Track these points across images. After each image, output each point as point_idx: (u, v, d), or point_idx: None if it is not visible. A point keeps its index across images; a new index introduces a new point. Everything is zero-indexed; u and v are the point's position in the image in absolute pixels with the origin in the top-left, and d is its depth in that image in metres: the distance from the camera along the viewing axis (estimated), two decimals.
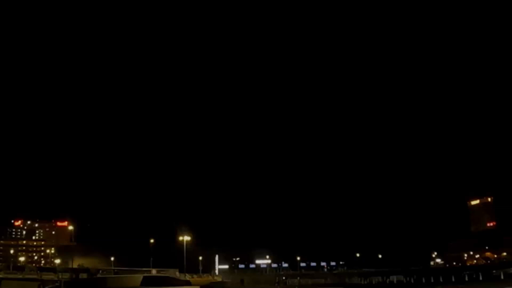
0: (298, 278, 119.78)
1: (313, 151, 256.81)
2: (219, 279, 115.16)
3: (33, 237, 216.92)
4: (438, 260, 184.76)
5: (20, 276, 79.49)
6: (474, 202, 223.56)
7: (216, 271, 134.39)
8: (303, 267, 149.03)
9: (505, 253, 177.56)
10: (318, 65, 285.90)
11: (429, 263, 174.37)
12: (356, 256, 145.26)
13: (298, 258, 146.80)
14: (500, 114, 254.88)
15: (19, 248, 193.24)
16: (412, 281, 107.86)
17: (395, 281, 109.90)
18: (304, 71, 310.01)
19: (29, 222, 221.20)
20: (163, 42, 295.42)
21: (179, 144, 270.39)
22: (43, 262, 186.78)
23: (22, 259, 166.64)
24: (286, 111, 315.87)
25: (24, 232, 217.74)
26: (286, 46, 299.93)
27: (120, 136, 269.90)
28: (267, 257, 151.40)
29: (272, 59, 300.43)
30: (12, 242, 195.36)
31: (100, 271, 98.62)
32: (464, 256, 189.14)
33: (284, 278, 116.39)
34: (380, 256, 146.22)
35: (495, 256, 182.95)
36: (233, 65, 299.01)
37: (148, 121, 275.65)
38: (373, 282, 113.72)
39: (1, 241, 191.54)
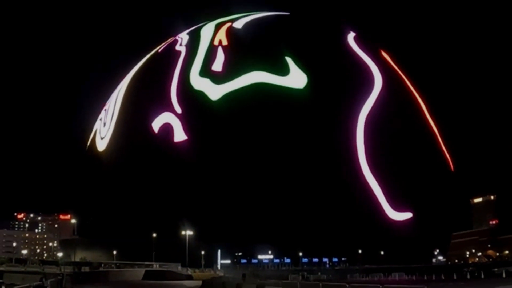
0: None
1: (313, 149, 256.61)
2: (221, 274, 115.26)
3: (36, 230, 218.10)
4: (440, 258, 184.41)
5: (23, 269, 79.72)
6: (477, 200, 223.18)
7: (218, 266, 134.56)
8: (305, 262, 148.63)
9: (507, 251, 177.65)
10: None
11: (431, 260, 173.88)
12: (358, 252, 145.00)
13: (300, 254, 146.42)
14: (504, 111, 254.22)
15: (22, 241, 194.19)
16: (414, 278, 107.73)
17: (396, 278, 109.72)
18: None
19: (32, 215, 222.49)
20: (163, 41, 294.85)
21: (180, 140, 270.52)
22: (45, 255, 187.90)
23: (24, 252, 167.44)
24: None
25: (27, 225, 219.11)
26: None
27: None
28: (269, 252, 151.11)
29: None
30: (15, 235, 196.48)
31: (102, 265, 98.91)
32: (466, 254, 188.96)
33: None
34: (382, 252, 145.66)
35: (497, 254, 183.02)
36: None
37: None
38: (375, 279, 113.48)
39: (4, 234, 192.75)
